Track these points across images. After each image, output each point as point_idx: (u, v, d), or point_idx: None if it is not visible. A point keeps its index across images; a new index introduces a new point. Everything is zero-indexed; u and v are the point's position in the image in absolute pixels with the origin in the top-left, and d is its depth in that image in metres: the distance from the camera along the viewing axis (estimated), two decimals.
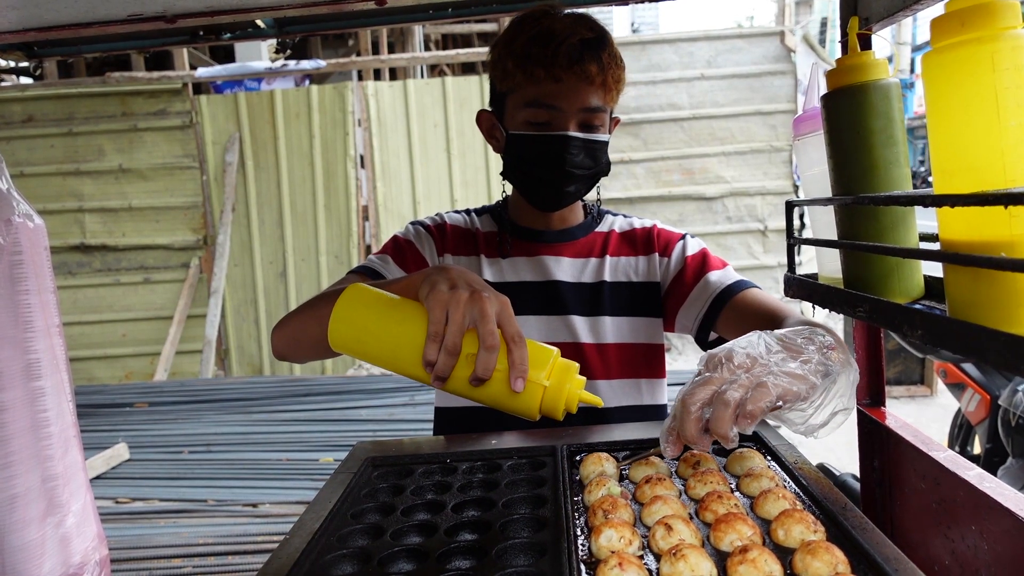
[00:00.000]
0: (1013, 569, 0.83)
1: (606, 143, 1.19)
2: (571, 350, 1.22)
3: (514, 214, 1.33)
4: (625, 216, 1.38)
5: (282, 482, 3.95)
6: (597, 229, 1.33)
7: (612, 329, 1.25)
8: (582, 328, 1.24)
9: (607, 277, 1.27)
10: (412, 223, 1.32)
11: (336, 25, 1.45)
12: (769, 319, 1.09)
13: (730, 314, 1.19)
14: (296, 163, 6.53)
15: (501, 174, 1.25)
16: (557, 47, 1.10)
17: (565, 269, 1.27)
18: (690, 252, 1.28)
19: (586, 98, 1.13)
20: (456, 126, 6.36)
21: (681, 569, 0.66)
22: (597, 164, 1.18)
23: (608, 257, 1.29)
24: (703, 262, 1.27)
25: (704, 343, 1.25)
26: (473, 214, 1.36)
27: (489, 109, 1.27)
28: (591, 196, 1.32)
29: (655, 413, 1.27)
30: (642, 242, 1.31)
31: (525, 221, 1.31)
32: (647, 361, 1.27)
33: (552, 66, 1.11)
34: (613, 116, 1.25)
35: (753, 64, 6.90)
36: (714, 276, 1.24)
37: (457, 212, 1.37)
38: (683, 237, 1.32)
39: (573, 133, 1.13)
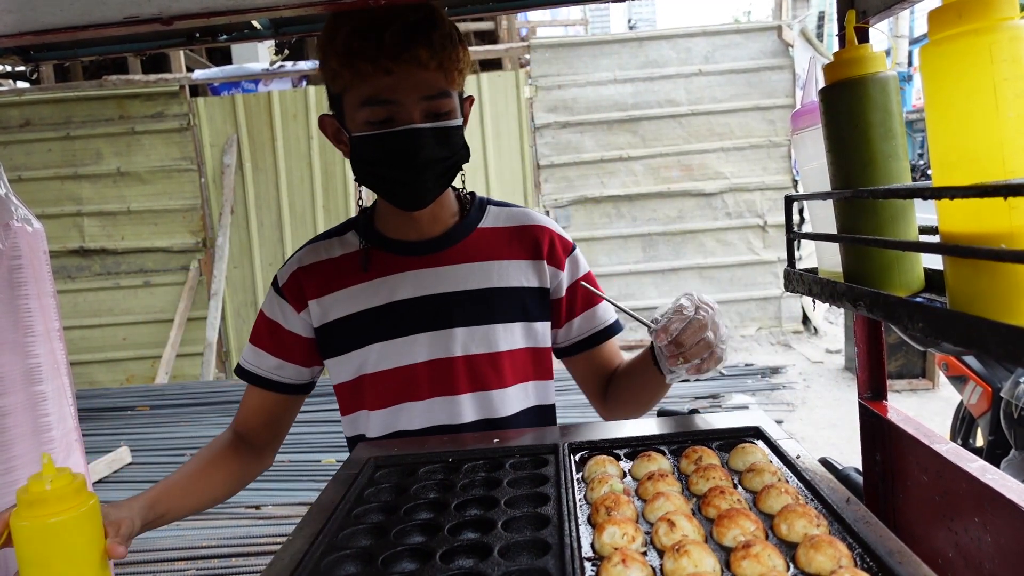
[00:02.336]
0: (1017, 561, 0.83)
1: (459, 128, 1.11)
2: (463, 364, 1.17)
3: (382, 224, 1.22)
4: (507, 206, 1.29)
5: (285, 483, 3.95)
6: (480, 225, 1.23)
7: (504, 337, 1.19)
8: (471, 339, 1.18)
9: (495, 283, 1.20)
10: (272, 284, 1.24)
11: None
12: (616, 367, 1.30)
13: (603, 349, 1.30)
14: (294, 164, 6.53)
15: (356, 180, 1.15)
16: (380, 36, 1.01)
17: (448, 279, 1.18)
18: (582, 272, 1.26)
19: (424, 85, 1.05)
20: None
21: (684, 565, 0.66)
22: (454, 152, 1.10)
23: (494, 262, 1.21)
24: (591, 287, 1.26)
25: (561, 354, 1.30)
26: (335, 236, 1.25)
27: (330, 113, 1.16)
28: (458, 184, 1.23)
29: (548, 413, 1.26)
30: (531, 245, 1.23)
31: (396, 232, 1.21)
32: (536, 364, 1.23)
33: (378, 58, 1.02)
34: (466, 97, 1.17)
35: (751, 59, 6.89)
36: (601, 309, 1.29)
37: (317, 240, 1.26)
38: (573, 249, 1.27)
39: (419, 125, 1.05)
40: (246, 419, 1.27)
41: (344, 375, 1.21)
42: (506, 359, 1.19)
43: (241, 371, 1.26)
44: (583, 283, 1.25)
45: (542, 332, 1.24)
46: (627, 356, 1.30)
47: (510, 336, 1.20)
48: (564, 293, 1.25)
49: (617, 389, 1.28)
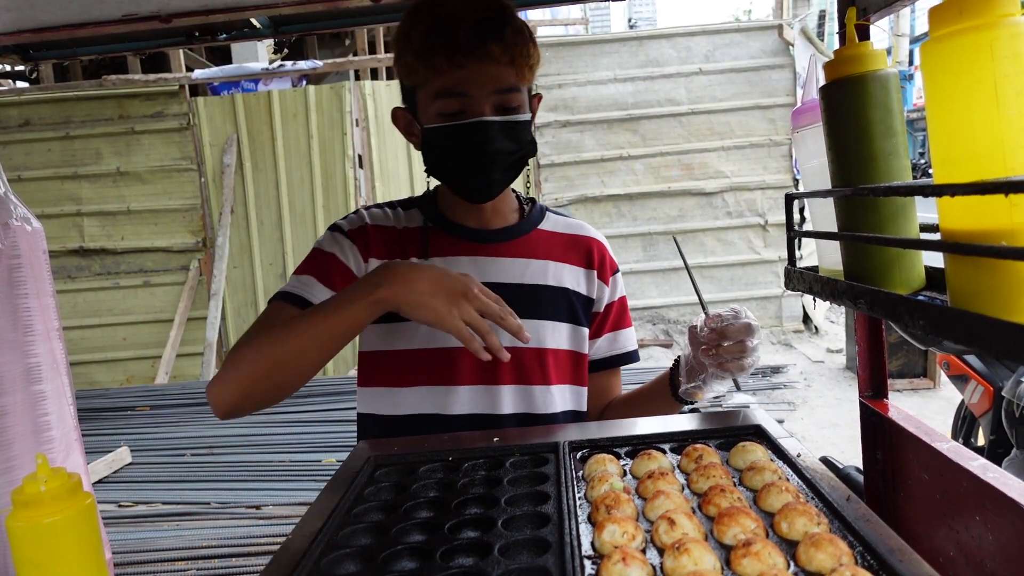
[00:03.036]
0: (1018, 559, 0.82)
1: (527, 123, 1.14)
2: (511, 354, 1.15)
3: (446, 209, 1.25)
4: (563, 215, 1.34)
5: (285, 483, 3.95)
6: (539, 227, 1.28)
7: (551, 334, 1.22)
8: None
9: (550, 281, 1.24)
10: (331, 228, 1.23)
11: (332, 24, 1.44)
12: (614, 396, 1.36)
13: (612, 374, 1.34)
14: (294, 164, 6.52)
15: (426, 171, 1.19)
16: (454, 33, 1.05)
17: (506, 270, 1.22)
18: (620, 294, 1.32)
19: (495, 80, 1.08)
20: None
21: (684, 563, 0.66)
22: (521, 146, 1.13)
23: (550, 262, 1.25)
24: (623, 311, 1.33)
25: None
26: (399, 208, 1.27)
27: (403, 106, 1.20)
28: (520, 187, 1.28)
29: (582, 420, 1.27)
30: (584, 254, 1.29)
31: (459, 217, 1.24)
32: (576, 368, 1.26)
33: (453, 53, 1.05)
34: (535, 93, 1.21)
35: (751, 58, 6.89)
36: (625, 334, 1.33)
37: (379, 207, 1.27)
38: (617, 270, 1.32)
39: (489, 118, 1.08)
40: None
41: (383, 344, 1.20)
42: (551, 357, 1.21)
43: (284, 295, 1.14)
44: (618, 305, 1.31)
45: (584, 338, 1.27)
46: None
47: (557, 335, 1.22)
48: (603, 309, 1.29)
49: (618, 414, 1.32)
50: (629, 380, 1.44)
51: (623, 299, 1.33)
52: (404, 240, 1.22)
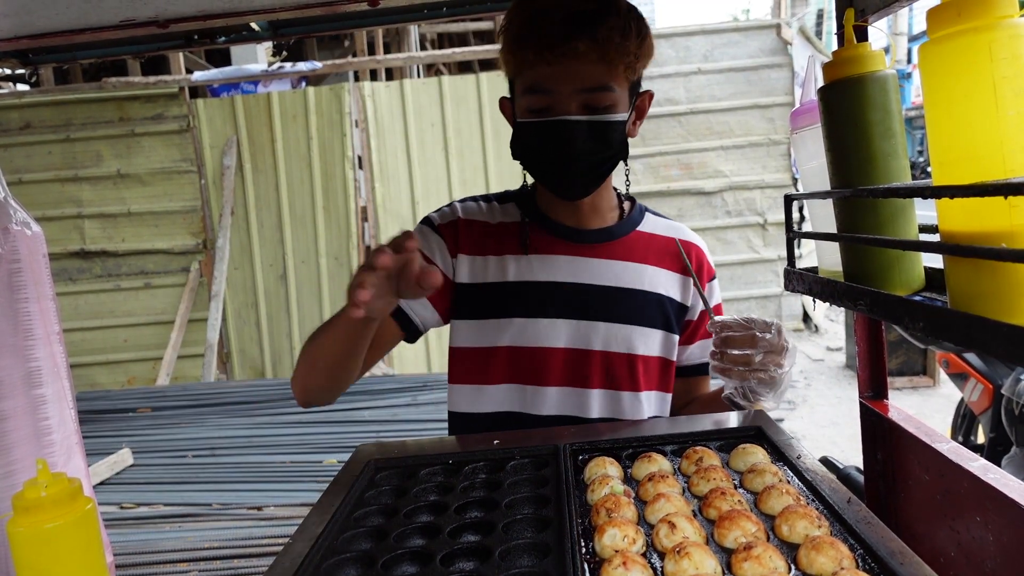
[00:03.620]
0: (1019, 559, 0.82)
1: (620, 123, 1.10)
2: (599, 359, 1.18)
3: (544, 205, 1.24)
4: (663, 216, 1.31)
5: (286, 485, 3.95)
6: (639, 228, 1.25)
7: (642, 341, 1.20)
8: (612, 336, 1.18)
9: (645, 287, 1.21)
10: (423, 221, 1.23)
11: (330, 27, 1.44)
12: (710, 398, 1.31)
13: (702, 379, 1.32)
14: (294, 165, 6.52)
15: (517, 158, 1.18)
16: (544, 28, 1.03)
17: (602, 272, 1.19)
18: (716, 301, 1.28)
19: (581, 78, 1.05)
20: (453, 125, 6.35)
21: (685, 567, 0.66)
22: (610, 147, 1.10)
23: (647, 266, 1.22)
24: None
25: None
26: (494, 202, 1.26)
27: (508, 96, 1.20)
28: (619, 185, 1.25)
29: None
30: (683, 259, 1.25)
31: (557, 215, 1.22)
32: (664, 375, 1.25)
33: (540, 48, 1.04)
34: (643, 91, 1.17)
35: (750, 57, 6.89)
36: None
37: (474, 200, 1.26)
38: (714, 276, 1.30)
39: (573, 117, 1.05)
40: None
41: (473, 340, 1.19)
42: (640, 363, 1.20)
43: None
44: (716, 308, 1.28)
45: (675, 345, 1.25)
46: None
47: (648, 341, 1.21)
48: (696, 317, 1.27)
49: (689, 412, 1.31)
50: None
51: (719, 307, 1.29)
52: (500, 234, 1.21)
